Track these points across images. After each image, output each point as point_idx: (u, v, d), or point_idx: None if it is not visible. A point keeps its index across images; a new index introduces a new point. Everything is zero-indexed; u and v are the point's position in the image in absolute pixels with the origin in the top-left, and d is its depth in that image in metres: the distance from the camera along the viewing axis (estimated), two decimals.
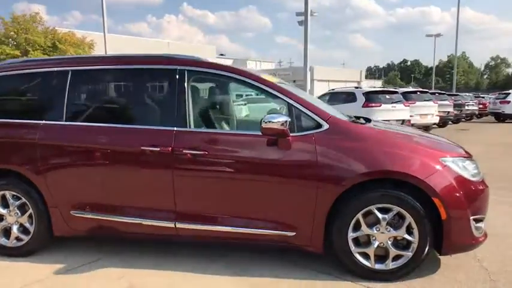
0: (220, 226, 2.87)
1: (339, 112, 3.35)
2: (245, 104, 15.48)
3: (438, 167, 2.67)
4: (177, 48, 45.85)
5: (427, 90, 15.43)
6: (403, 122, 10.13)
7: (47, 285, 2.77)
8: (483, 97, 27.01)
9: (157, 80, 3.14)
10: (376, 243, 2.72)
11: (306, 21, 14.80)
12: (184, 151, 2.82)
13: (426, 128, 13.20)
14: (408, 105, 10.51)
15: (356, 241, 2.76)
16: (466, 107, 18.56)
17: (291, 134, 2.73)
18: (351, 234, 2.73)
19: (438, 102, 13.60)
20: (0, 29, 26.14)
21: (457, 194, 2.65)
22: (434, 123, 12.95)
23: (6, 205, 3.22)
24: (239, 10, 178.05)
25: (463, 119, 18.78)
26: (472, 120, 20.50)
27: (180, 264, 3.04)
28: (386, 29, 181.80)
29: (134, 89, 3.29)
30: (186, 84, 2.95)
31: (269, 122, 2.62)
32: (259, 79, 2.96)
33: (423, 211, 2.64)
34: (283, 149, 2.73)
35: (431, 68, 59.08)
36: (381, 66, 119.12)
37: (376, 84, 58.14)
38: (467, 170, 2.77)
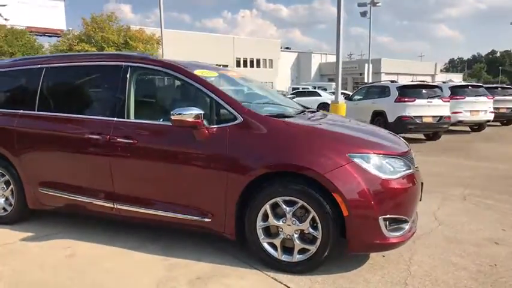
0: (148, 209, 3.15)
1: (293, 104, 3.43)
2: (293, 98, 15.59)
3: (342, 162, 2.64)
4: (241, 43, 46.96)
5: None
6: (440, 118, 9.46)
7: (9, 247, 3.30)
8: None
9: (107, 75, 3.47)
10: (282, 235, 2.79)
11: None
12: (118, 139, 3.14)
13: (479, 125, 12.13)
14: (448, 101, 9.74)
15: (266, 231, 2.85)
16: None
17: (209, 126, 2.90)
18: (260, 224, 2.83)
19: (497, 97, 12.36)
20: (82, 29, 29.08)
21: (362, 191, 2.60)
22: (488, 120, 11.80)
23: None
24: (312, 3, 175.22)
25: None
26: None
27: (124, 242, 3.38)
28: (474, 17, 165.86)
29: (87, 83, 3.69)
30: (128, 79, 3.26)
31: (179, 114, 2.82)
32: (188, 74, 3.14)
33: (328, 206, 2.64)
34: (198, 140, 2.91)
35: None
36: (465, 58, 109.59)
37: (456, 78, 53.73)
38: (381, 167, 2.69)
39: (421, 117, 9.26)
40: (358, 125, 3.53)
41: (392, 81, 10.79)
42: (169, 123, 2.91)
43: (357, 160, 2.65)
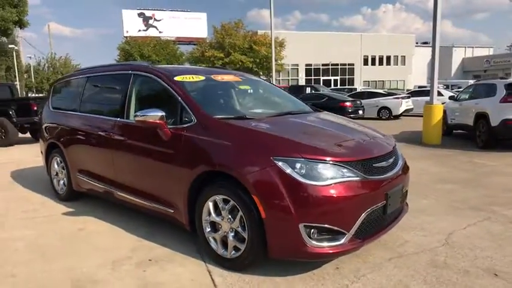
0: (133, 196, 3.66)
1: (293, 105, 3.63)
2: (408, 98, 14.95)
3: (264, 165, 2.63)
4: (370, 40, 44.88)
5: None
6: None
7: (48, 218, 4.23)
8: None
9: (119, 82, 4.08)
10: (222, 231, 2.93)
11: None
12: (115, 137, 3.73)
13: None
14: None
15: (212, 226, 3.02)
16: None
17: (171, 126, 3.22)
18: (205, 219, 3.02)
19: None
20: (213, 37, 32.30)
21: (281, 196, 2.55)
22: None
23: (57, 166, 4.94)
24: None
25: None
26: None
27: (125, 224, 3.98)
28: None
29: (107, 89, 4.37)
30: (130, 85, 3.82)
31: (142, 115, 3.21)
32: (166, 80, 3.48)
33: (253, 207, 2.67)
34: (163, 139, 3.25)
35: None
36: None
37: None
38: (307, 173, 2.57)
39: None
40: (333, 129, 3.32)
41: (502, 78, 9.09)
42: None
43: (280, 164, 2.60)
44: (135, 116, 3.25)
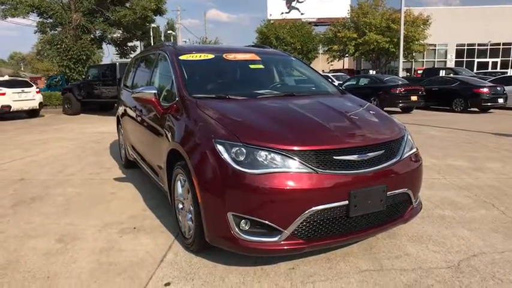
0: (144, 166, 3.97)
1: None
2: None
3: (206, 147, 2.50)
4: None
5: None
6: None
7: (98, 178, 4.91)
8: None
9: (151, 60, 4.32)
10: (184, 211, 2.92)
11: None
12: (137, 111, 4.11)
13: None
14: None
15: (181, 204, 3.02)
16: None
17: (162, 103, 3.34)
18: (176, 196, 3.01)
19: None
20: (348, 18, 30.89)
21: (215, 181, 2.41)
22: None
23: (121, 136, 5.64)
24: None
25: None
26: None
27: (145, 191, 4.33)
28: None
29: (145, 67, 4.64)
30: (154, 62, 4.09)
31: (138, 92, 3.41)
32: (171, 57, 3.56)
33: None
34: (155, 114, 3.42)
35: None
36: None
37: None
38: (242, 159, 2.34)
39: None
40: (313, 114, 2.83)
41: None
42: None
43: (219, 147, 2.43)
44: (133, 92, 3.47)
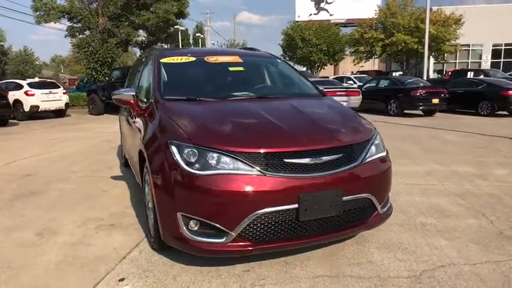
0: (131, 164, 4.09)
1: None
2: None
3: (161, 147, 2.57)
4: None
5: None
6: None
7: (99, 178, 5.09)
8: None
9: (142, 63, 4.42)
10: (150, 206, 2.97)
11: None
12: (125, 112, 4.21)
13: None
14: None
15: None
16: None
17: (139, 104, 3.44)
18: (146, 195, 3.10)
19: None
20: (375, 18, 30.17)
21: (167, 179, 2.46)
22: None
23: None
24: None
25: None
26: None
27: (135, 188, 4.44)
28: None
29: (138, 70, 4.72)
30: (143, 65, 4.23)
31: (117, 94, 3.51)
32: (154, 60, 3.64)
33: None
34: (136, 113, 3.53)
35: None
36: None
37: None
38: (191, 160, 2.39)
39: None
40: (272, 116, 2.80)
41: None
42: None
43: (173, 148, 2.48)
44: (113, 94, 3.58)
